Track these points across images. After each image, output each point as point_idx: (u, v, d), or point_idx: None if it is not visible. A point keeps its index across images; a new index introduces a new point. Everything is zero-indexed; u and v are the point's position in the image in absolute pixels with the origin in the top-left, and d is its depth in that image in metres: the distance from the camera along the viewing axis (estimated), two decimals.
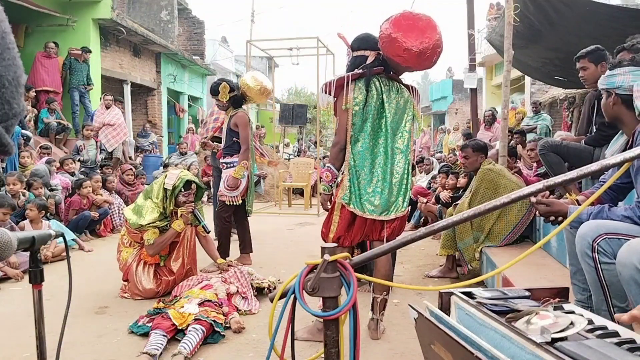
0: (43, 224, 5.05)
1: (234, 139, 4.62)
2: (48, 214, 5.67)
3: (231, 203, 4.61)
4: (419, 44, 2.62)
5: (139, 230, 3.77)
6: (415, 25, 2.66)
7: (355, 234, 2.89)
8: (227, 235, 4.73)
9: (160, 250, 3.80)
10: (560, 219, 2.04)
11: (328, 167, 2.89)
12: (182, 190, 3.82)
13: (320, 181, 3.03)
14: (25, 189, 5.54)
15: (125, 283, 3.86)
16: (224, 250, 4.67)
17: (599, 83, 2.27)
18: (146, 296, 3.73)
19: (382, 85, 2.83)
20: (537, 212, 2.13)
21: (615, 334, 1.28)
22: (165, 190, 3.78)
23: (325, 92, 2.84)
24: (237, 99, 4.70)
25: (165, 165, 10.22)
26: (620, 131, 2.51)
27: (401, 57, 2.67)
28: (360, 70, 2.82)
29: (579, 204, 2.10)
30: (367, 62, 2.85)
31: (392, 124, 2.85)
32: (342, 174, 2.86)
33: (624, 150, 2.18)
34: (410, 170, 2.97)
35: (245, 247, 4.86)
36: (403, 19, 2.68)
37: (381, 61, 2.84)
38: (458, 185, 5.63)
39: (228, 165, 4.64)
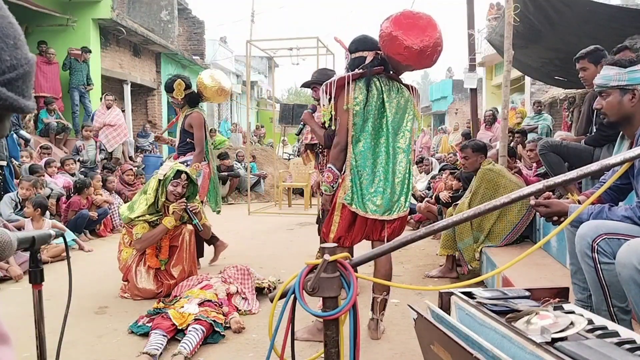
0: (45, 223, 5.04)
1: (188, 139, 4.51)
2: (47, 212, 5.69)
3: None
4: (419, 42, 2.63)
5: (130, 225, 3.78)
6: (416, 23, 2.67)
7: (356, 234, 2.89)
8: None
9: (148, 245, 3.77)
10: (561, 218, 2.03)
11: (329, 167, 2.88)
12: (172, 179, 3.84)
13: (322, 182, 3.03)
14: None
15: (125, 283, 3.86)
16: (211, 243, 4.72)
17: (608, 81, 2.19)
18: (146, 296, 3.73)
19: (382, 85, 2.83)
20: (538, 214, 2.12)
21: (615, 334, 1.28)
22: (158, 181, 3.80)
23: (326, 93, 2.84)
24: (193, 97, 4.55)
25: None
26: (620, 136, 2.49)
27: (402, 55, 2.67)
28: (361, 70, 2.82)
29: (580, 204, 2.10)
30: (366, 62, 2.85)
31: (393, 123, 2.84)
32: (344, 174, 2.86)
33: None
34: (412, 170, 2.97)
35: (212, 238, 4.69)
36: (403, 17, 2.69)
37: (380, 61, 2.84)
38: (454, 188, 5.63)
39: None
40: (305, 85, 3.73)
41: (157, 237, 3.78)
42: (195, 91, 4.57)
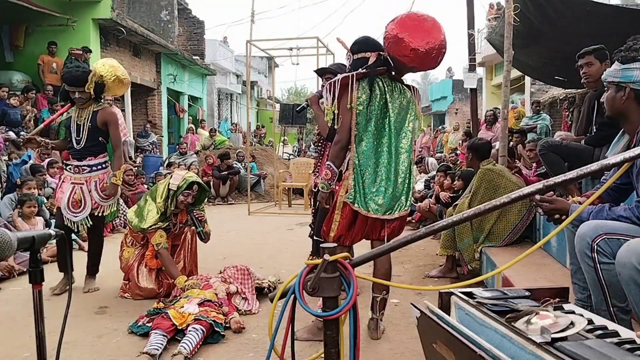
0: (36, 221, 5.03)
1: (100, 138, 3.93)
2: (47, 212, 5.70)
3: (100, 214, 3.96)
4: (425, 44, 2.65)
5: (142, 232, 3.78)
6: (421, 26, 2.69)
7: (356, 233, 2.89)
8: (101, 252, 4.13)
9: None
10: (563, 217, 2.03)
11: (328, 164, 2.87)
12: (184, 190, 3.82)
13: (320, 179, 3.03)
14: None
15: (127, 282, 3.86)
16: (96, 271, 4.09)
17: (608, 76, 2.21)
18: (146, 296, 3.73)
19: (385, 85, 2.84)
20: (540, 211, 2.12)
21: (615, 334, 1.29)
22: (169, 190, 3.79)
23: (329, 92, 2.84)
24: (98, 90, 3.91)
25: (169, 165, 10.23)
26: (621, 131, 2.49)
27: (407, 57, 2.69)
28: (364, 70, 2.83)
29: (581, 205, 2.10)
30: (369, 63, 2.86)
31: (395, 123, 2.86)
32: (347, 172, 2.87)
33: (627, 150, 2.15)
34: (413, 170, 2.99)
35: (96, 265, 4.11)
36: (409, 19, 2.71)
37: (382, 62, 2.85)
38: (455, 188, 5.62)
39: (92, 168, 3.91)
40: (319, 71, 3.73)
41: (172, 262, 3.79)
42: (100, 83, 3.90)
